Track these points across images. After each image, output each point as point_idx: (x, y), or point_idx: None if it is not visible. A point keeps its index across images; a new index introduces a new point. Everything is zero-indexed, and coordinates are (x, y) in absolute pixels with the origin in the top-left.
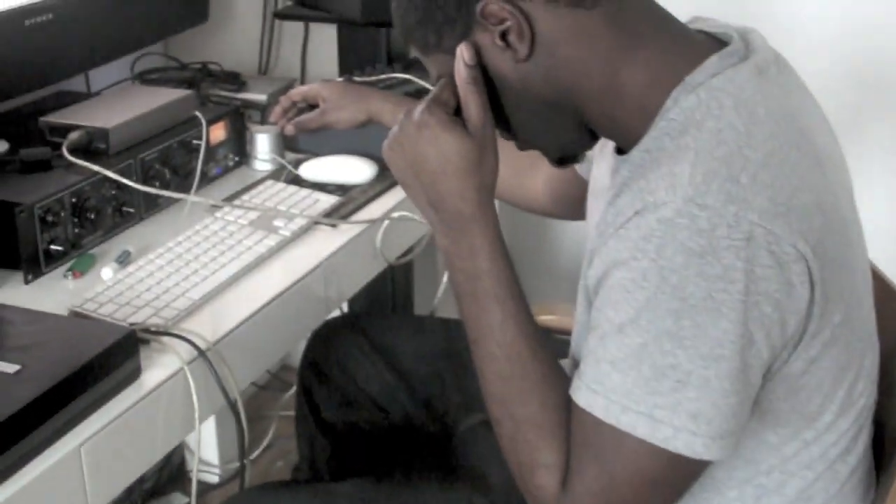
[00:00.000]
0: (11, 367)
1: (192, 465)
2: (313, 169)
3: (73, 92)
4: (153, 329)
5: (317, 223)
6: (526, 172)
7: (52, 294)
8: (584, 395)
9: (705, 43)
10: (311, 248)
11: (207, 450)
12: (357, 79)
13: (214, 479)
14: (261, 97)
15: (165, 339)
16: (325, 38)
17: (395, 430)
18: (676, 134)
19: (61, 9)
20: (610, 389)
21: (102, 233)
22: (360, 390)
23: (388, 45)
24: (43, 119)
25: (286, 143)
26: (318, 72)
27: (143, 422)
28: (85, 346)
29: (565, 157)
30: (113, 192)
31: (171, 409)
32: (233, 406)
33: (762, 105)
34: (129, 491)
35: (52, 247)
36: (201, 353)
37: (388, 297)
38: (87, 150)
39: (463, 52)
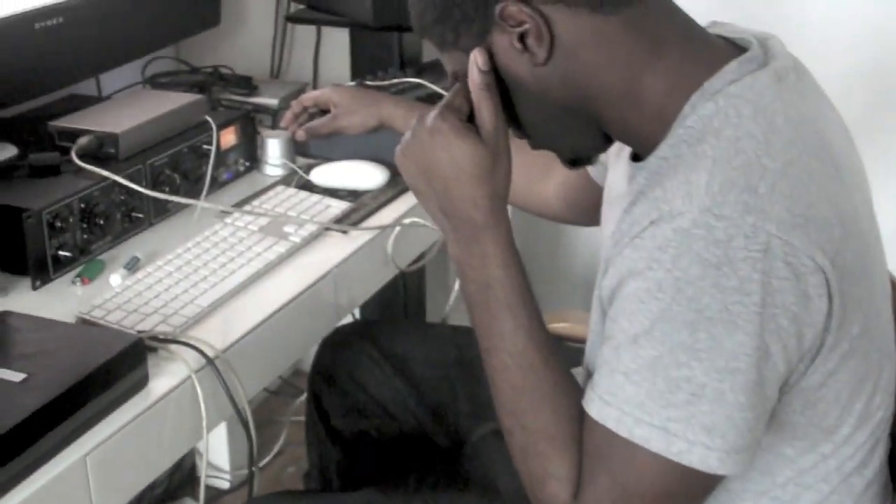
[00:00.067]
0: (17, 376)
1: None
2: (324, 174)
3: (83, 96)
4: (161, 337)
5: (327, 229)
6: (538, 177)
7: (59, 300)
8: (597, 406)
9: (724, 49)
10: (321, 255)
11: (218, 455)
12: (369, 83)
13: (225, 485)
14: (272, 101)
15: (173, 346)
16: (338, 41)
17: (405, 438)
18: (694, 141)
19: (71, 12)
20: (623, 401)
21: (111, 238)
22: (371, 398)
23: (400, 49)
24: (52, 123)
25: (297, 148)
26: (330, 76)
27: (150, 431)
28: (92, 355)
29: (578, 159)
30: (122, 198)
31: (178, 418)
32: (241, 415)
33: (781, 113)
34: (140, 496)
35: (61, 252)
36: (209, 361)
37: (399, 304)
38: (96, 154)
39: (476, 58)
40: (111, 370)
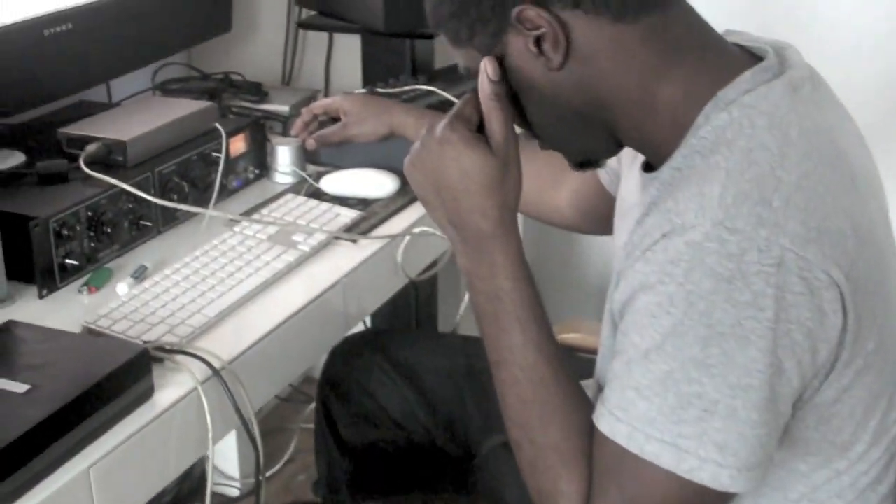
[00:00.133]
0: (21, 387)
1: (213, 478)
2: (334, 182)
3: (93, 102)
4: (167, 347)
5: (336, 238)
6: (550, 186)
7: (66, 309)
8: (608, 421)
9: (740, 57)
10: (330, 264)
11: (227, 464)
12: (380, 90)
13: (235, 493)
14: (283, 108)
15: (179, 357)
16: (349, 48)
17: (414, 449)
18: (707, 152)
19: (81, 19)
20: (634, 417)
21: (119, 247)
22: (380, 409)
23: (412, 56)
24: (60, 130)
25: (308, 156)
26: (341, 82)
27: (155, 442)
28: (96, 365)
29: (587, 162)
30: (130, 206)
31: (184, 430)
32: (247, 427)
33: (796, 124)
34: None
35: (68, 261)
36: (215, 372)
37: (411, 313)
38: (104, 162)
39: (487, 67)
40: (116, 381)
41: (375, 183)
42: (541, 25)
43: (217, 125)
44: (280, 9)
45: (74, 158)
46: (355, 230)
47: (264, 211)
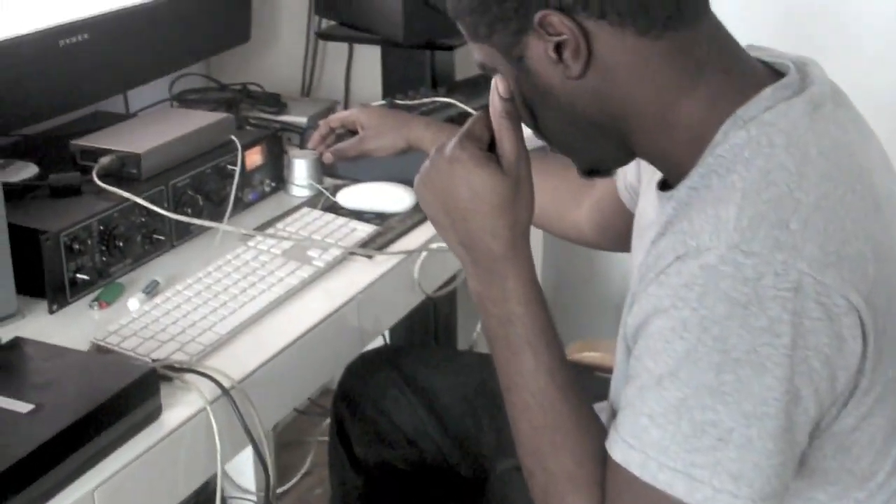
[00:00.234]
0: (25, 406)
1: (229, 491)
2: (351, 196)
3: (109, 113)
4: (176, 366)
5: (352, 254)
6: (570, 203)
7: (76, 324)
8: (621, 449)
9: (762, 74)
10: (345, 280)
11: (244, 477)
12: (399, 102)
13: None
14: (301, 120)
15: (188, 376)
16: (370, 59)
17: (428, 469)
18: (724, 171)
19: (97, 29)
20: (647, 445)
21: (131, 261)
22: (394, 427)
23: (432, 68)
24: (74, 142)
25: (325, 169)
26: (361, 93)
27: (162, 463)
28: (103, 385)
29: (595, 170)
30: (143, 219)
31: (192, 450)
32: (256, 448)
33: (816, 143)
34: None
35: (79, 276)
36: (225, 391)
37: (429, 330)
38: (118, 175)
39: (497, 85)
40: (123, 401)
41: (392, 197)
42: (563, 32)
43: (233, 137)
44: (300, 19)
45: (88, 170)
46: (371, 245)
47: (279, 225)
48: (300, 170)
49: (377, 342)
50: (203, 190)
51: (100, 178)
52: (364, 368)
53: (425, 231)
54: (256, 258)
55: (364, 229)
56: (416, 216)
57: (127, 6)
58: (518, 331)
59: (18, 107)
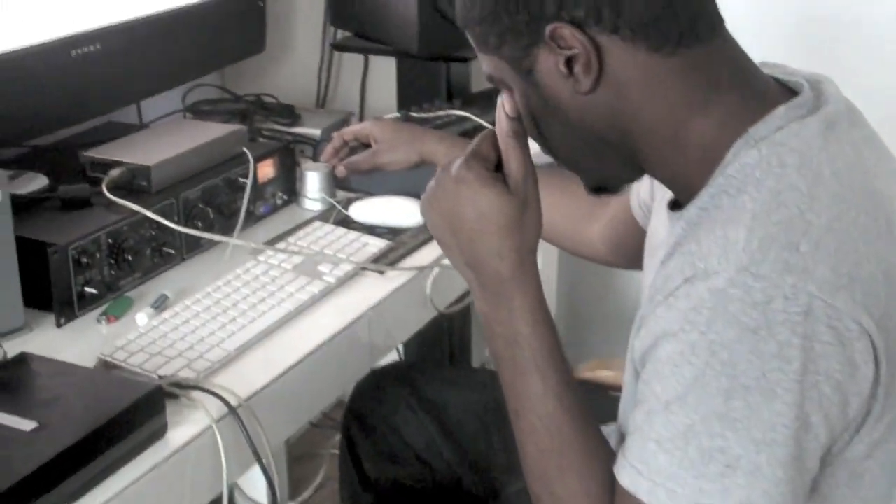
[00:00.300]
0: (29, 424)
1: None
2: (364, 210)
3: (122, 123)
4: (183, 383)
5: (363, 269)
6: (584, 220)
7: (83, 339)
8: (629, 474)
9: (775, 92)
10: (356, 296)
11: (257, 492)
12: (414, 114)
13: None
14: (315, 132)
15: (195, 393)
16: (385, 70)
17: (439, 487)
18: (734, 192)
19: (109, 39)
20: (655, 471)
21: (141, 274)
22: (404, 445)
23: (448, 80)
24: (84, 154)
25: (338, 182)
26: (376, 105)
27: (167, 482)
28: (108, 402)
29: (603, 188)
30: (153, 233)
31: (198, 469)
32: (264, 467)
33: (828, 164)
34: None
35: (87, 289)
36: (231, 409)
37: (443, 346)
38: (128, 187)
39: (504, 104)
40: (127, 419)
41: (405, 212)
42: (574, 46)
43: (245, 150)
44: (315, 30)
45: (98, 182)
46: (383, 261)
47: (291, 239)
48: (313, 183)
49: (390, 358)
50: (214, 203)
51: (110, 190)
52: (375, 385)
53: (438, 247)
54: (266, 273)
55: (376, 244)
56: (428, 231)
57: (139, 17)
58: (525, 353)
59: (29, 117)
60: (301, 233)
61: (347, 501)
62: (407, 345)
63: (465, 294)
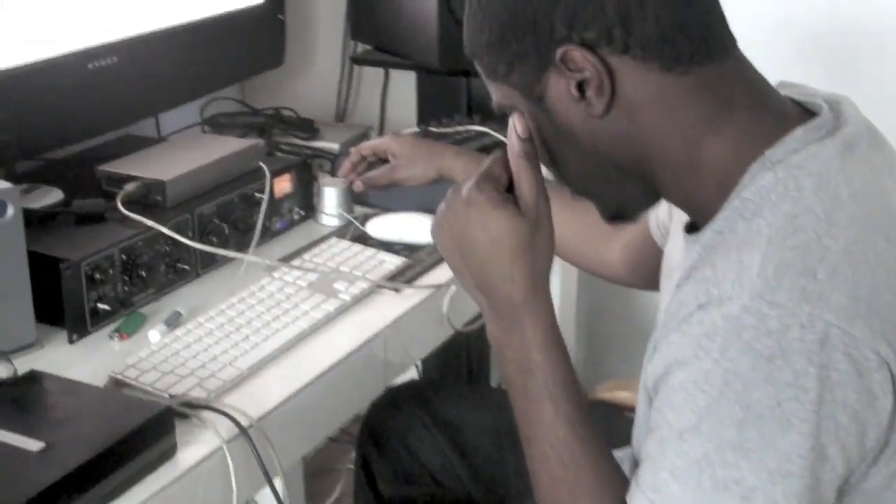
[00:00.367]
0: (36, 445)
1: None
2: (381, 226)
3: (139, 136)
4: (194, 403)
5: (379, 287)
6: (603, 240)
7: (95, 355)
8: (641, 503)
9: (792, 113)
10: (372, 314)
11: None
12: (433, 129)
13: None
14: (333, 146)
15: (205, 413)
16: (406, 84)
17: None
18: (750, 215)
19: (126, 52)
20: (668, 500)
21: (154, 290)
22: (419, 464)
23: (468, 95)
24: (100, 168)
25: (356, 197)
26: (396, 119)
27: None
28: (117, 422)
29: (620, 215)
30: (167, 248)
31: (208, 490)
32: (274, 489)
33: (847, 187)
34: None
35: (100, 305)
36: (242, 430)
37: (462, 365)
38: (143, 202)
39: (516, 125)
40: (136, 440)
41: (422, 228)
42: (585, 68)
43: (262, 165)
44: (335, 43)
45: (113, 196)
46: (399, 279)
47: (306, 256)
48: (330, 198)
49: (410, 375)
50: (229, 218)
51: (124, 204)
52: (390, 404)
53: None
54: (281, 290)
55: (392, 261)
56: None
57: (157, 30)
58: (537, 380)
59: (45, 130)
60: (317, 249)
61: None
62: (425, 362)
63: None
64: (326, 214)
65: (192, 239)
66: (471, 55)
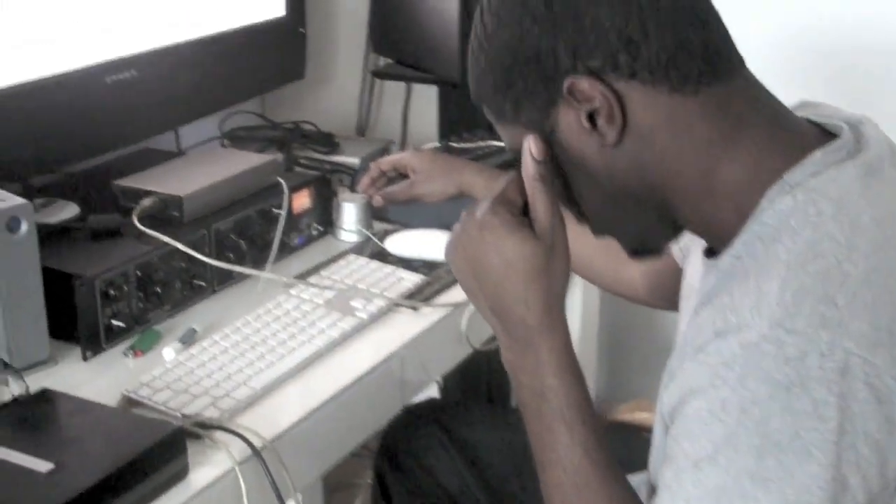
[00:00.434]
0: (45, 465)
1: None
2: (399, 243)
3: (159, 150)
4: (206, 423)
5: (397, 305)
6: (622, 260)
7: (109, 372)
8: None
9: (811, 134)
10: (389, 332)
11: None
12: (454, 144)
13: None
14: (353, 160)
15: (218, 434)
16: (428, 98)
17: None
18: (769, 240)
19: (145, 65)
20: None
21: (170, 307)
22: (436, 485)
23: None
24: (116, 182)
25: (375, 213)
26: (418, 133)
27: None
28: (128, 443)
29: (644, 250)
30: (183, 265)
31: None
32: None
33: (868, 211)
34: None
35: (114, 322)
36: (255, 451)
37: (481, 384)
38: (159, 217)
39: (531, 147)
40: (147, 461)
41: (442, 245)
42: (594, 97)
43: (280, 180)
44: (356, 56)
45: (129, 211)
46: (418, 296)
47: (324, 272)
48: (349, 214)
49: (430, 393)
50: (247, 234)
51: (141, 220)
52: (408, 423)
53: None
54: (298, 307)
55: (411, 279)
56: None
57: (176, 43)
58: (552, 405)
59: (63, 144)
60: (335, 266)
61: None
62: (446, 380)
63: None
64: (345, 230)
65: (208, 255)
66: (477, 101)
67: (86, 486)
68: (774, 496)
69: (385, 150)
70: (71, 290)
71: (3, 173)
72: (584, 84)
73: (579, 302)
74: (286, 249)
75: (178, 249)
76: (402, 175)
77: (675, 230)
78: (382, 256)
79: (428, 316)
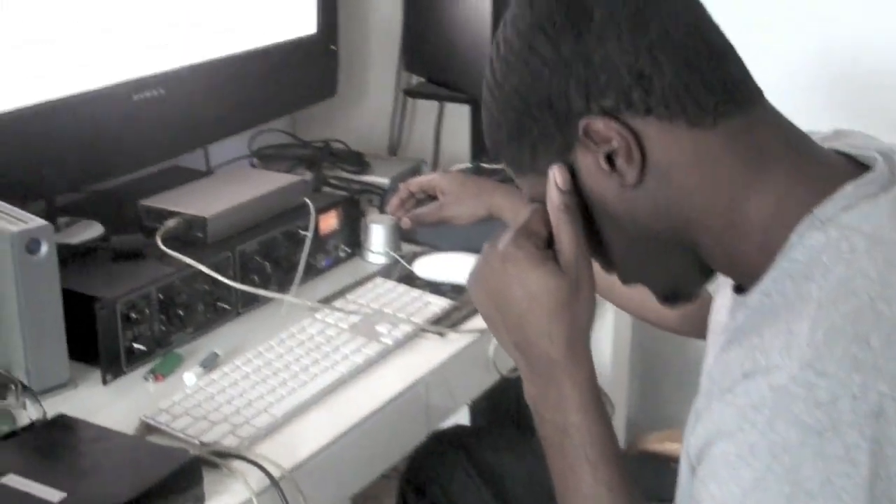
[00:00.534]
0: (57, 495)
1: None
2: (428, 266)
3: (187, 168)
4: (224, 452)
5: (423, 330)
6: None
7: (130, 396)
8: None
9: (841, 166)
10: (415, 358)
11: None
12: (485, 165)
13: None
14: (383, 180)
15: (236, 463)
16: (460, 117)
17: None
18: (800, 278)
19: (172, 84)
20: None
21: (192, 330)
22: None
23: None
24: (141, 203)
25: (404, 234)
26: (451, 153)
27: None
28: (143, 473)
29: (675, 296)
30: (206, 287)
31: None
32: None
33: None
34: None
35: (135, 345)
36: (274, 482)
37: (510, 410)
38: (183, 239)
39: (556, 176)
40: (161, 492)
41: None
42: (611, 138)
43: (307, 201)
44: (388, 75)
45: (154, 232)
46: (445, 322)
47: (350, 296)
48: (377, 236)
49: (459, 418)
50: (272, 256)
51: (164, 241)
52: (433, 451)
53: None
54: (322, 332)
55: (438, 304)
56: None
57: (205, 61)
58: (574, 442)
59: (90, 163)
60: (361, 289)
61: None
62: (473, 409)
63: None
64: (373, 252)
65: (232, 278)
66: (494, 153)
67: None
68: None
69: (416, 171)
70: (92, 312)
71: (28, 192)
72: (600, 124)
73: (611, 327)
74: (312, 271)
75: (201, 271)
76: (432, 197)
77: (706, 274)
78: (410, 280)
79: (455, 342)
